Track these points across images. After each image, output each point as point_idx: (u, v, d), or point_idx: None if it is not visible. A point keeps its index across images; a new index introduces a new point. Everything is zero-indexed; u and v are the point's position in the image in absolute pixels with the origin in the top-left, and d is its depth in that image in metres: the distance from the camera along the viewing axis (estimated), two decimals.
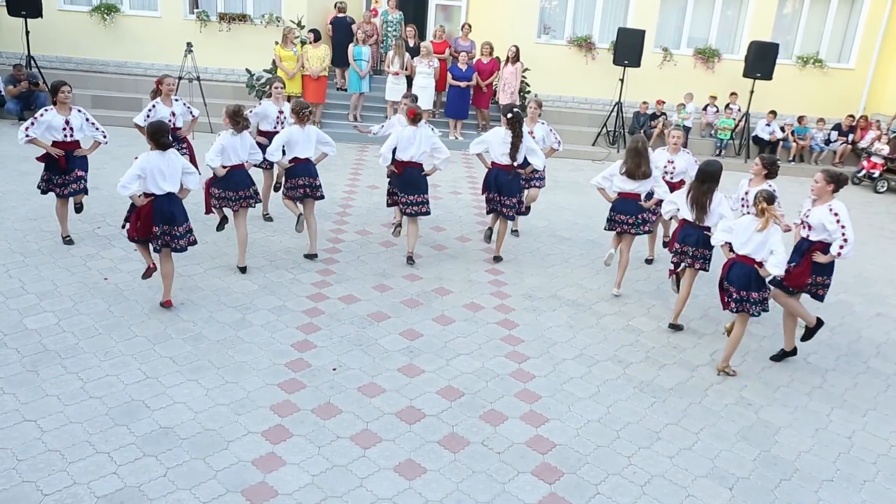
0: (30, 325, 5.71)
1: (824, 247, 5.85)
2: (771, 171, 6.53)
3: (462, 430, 4.88)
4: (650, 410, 5.32)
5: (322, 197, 7.45)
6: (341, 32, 13.51)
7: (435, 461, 4.53)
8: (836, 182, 5.78)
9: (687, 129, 14.00)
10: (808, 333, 6.28)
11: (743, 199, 6.65)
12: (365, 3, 15.48)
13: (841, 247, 5.71)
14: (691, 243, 6.38)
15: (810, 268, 5.91)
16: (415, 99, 8.66)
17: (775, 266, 5.52)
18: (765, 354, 6.33)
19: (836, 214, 5.72)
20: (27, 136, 6.90)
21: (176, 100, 8.09)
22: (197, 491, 4.09)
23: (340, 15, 13.70)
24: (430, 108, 13.19)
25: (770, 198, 5.57)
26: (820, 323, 6.25)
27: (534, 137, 7.93)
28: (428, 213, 7.54)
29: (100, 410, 4.73)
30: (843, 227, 5.69)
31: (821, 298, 6.12)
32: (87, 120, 7.23)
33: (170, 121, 7.92)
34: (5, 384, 4.93)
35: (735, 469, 4.73)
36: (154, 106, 7.89)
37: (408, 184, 7.33)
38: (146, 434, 4.53)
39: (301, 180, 7.24)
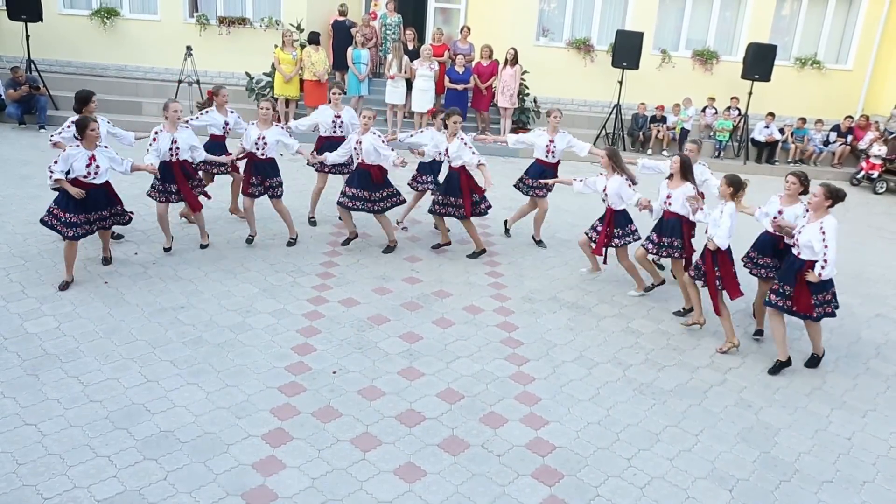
0: (30, 329, 5.72)
1: (813, 265, 5.72)
2: (806, 189, 6.10)
3: (462, 432, 4.89)
4: (650, 412, 5.33)
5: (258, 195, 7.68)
6: (341, 36, 13.54)
7: (435, 464, 4.53)
8: (835, 198, 5.65)
9: (686, 132, 14.04)
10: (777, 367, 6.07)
11: (776, 217, 6.20)
12: (364, 6, 15.51)
13: (822, 268, 5.60)
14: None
15: (808, 288, 5.74)
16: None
17: (717, 237, 6.03)
18: (765, 357, 6.33)
19: (823, 232, 5.60)
20: (52, 177, 6.28)
21: (231, 111, 8.19)
22: (197, 494, 4.10)
23: (341, 18, 13.73)
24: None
25: (736, 184, 6.08)
26: (788, 362, 6.05)
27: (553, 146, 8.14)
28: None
29: (100, 414, 4.74)
30: (825, 246, 5.56)
31: (832, 315, 6.02)
32: (112, 157, 6.60)
33: (224, 130, 8.11)
34: (5, 388, 4.94)
35: (735, 470, 4.74)
36: (206, 112, 8.04)
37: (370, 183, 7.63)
38: (146, 437, 4.54)
39: (254, 178, 7.53)
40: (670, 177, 6.79)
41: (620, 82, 13.78)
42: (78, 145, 6.37)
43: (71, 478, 4.14)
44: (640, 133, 14.25)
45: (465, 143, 7.53)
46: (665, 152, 14.19)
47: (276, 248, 7.76)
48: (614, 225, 7.05)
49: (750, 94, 13.89)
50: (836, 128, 14.64)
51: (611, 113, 14.03)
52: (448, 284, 7.27)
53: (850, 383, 6.04)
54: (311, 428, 4.79)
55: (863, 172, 13.68)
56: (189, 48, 12.55)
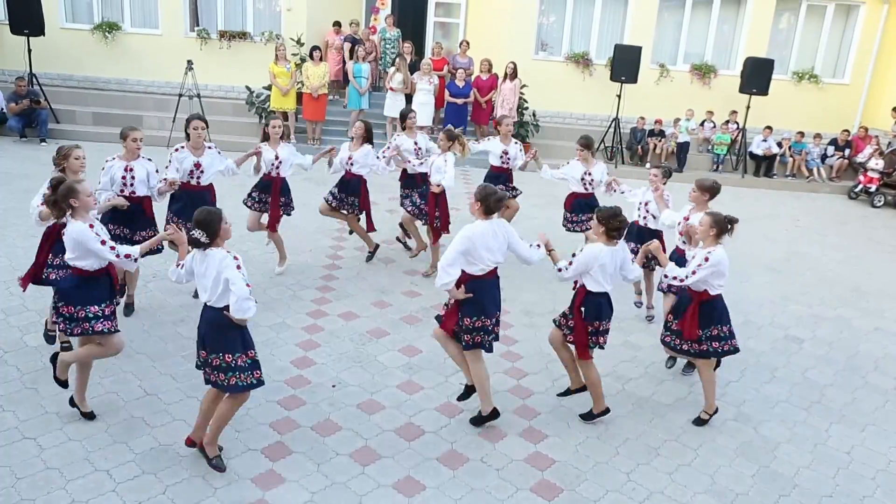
0: (30, 343, 5.72)
1: (705, 298, 5.13)
2: (712, 195, 5.78)
3: (461, 446, 4.88)
4: (649, 426, 5.33)
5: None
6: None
7: (434, 478, 4.53)
8: (719, 227, 4.99)
9: (685, 145, 14.11)
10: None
11: (681, 223, 6.03)
12: (364, 20, 15.63)
13: (691, 273, 4.99)
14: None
15: (697, 311, 5.13)
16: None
17: (446, 180, 7.24)
18: (762, 370, 6.35)
19: (709, 253, 5.02)
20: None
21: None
22: None
23: (350, 32, 13.90)
24: (429, 124, 13.30)
25: (454, 137, 7.22)
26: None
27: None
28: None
29: (99, 428, 4.74)
30: (701, 266, 4.96)
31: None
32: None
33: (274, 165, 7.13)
34: (5, 401, 4.94)
35: (734, 485, 4.73)
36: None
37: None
38: (145, 451, 4.53)
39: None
40: (352, 139, 7.75)
41: (619, 96, 13.87)
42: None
43: (70, 492, 4.13)
44: (639, 147, 14.31)
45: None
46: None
47: (275, 262, 7.77)
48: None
49: (748, 107, 13.97)
50: (833, 141, 14.71)
51: (609, 126, 14.10)
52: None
53: (849, 397, 6.04)
54: (310, 442, 4.79)
55: (861, 186, 13.74)
56: (190, 62, 12.64)
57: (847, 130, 14.70)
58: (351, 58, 13.35)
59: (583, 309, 5.07)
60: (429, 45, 15.48)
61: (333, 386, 5.48)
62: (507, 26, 14.81)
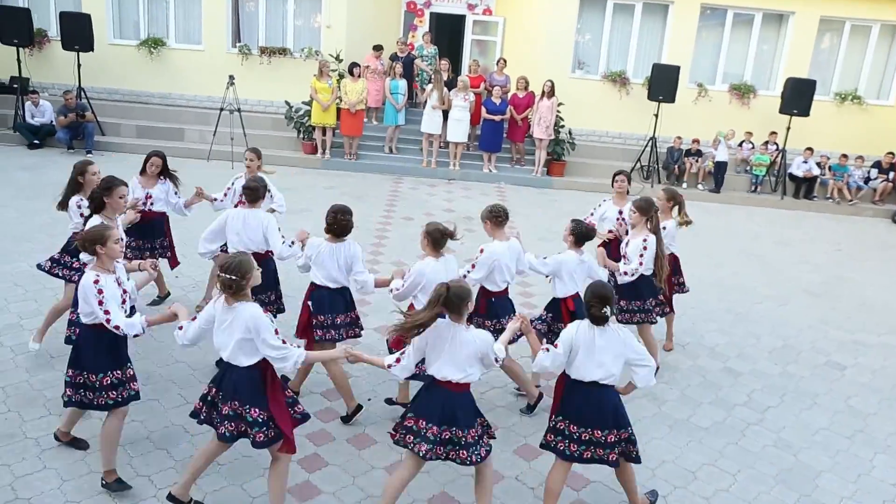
0: None
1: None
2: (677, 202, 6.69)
3: (496, 464, 4.83)
4: (686, 449, 5.25)
5: None
6: (408, 68, 13.99)
7: (469, 495, 4.51)
8: (430, 237, 4.89)
9: (723, 164, 13.93)
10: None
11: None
12: (403, 37, 15.83)
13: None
14: None
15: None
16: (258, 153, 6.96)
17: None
18: (803, 396, 6.22)
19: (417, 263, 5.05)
20: None
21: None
22: None
23: (401, 54, 14.14)
24: (464, 140, 13.39)
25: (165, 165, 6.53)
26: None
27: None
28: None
29: (141, 434, 4.83)
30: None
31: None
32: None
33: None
34: (52, 406, 5.06)
35: None
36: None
37: None
38: (185, 459, 4.59)
39: None
40: (143, 171, 6.57)
41: (656, 115, 13.79)
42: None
43: (112, 496, 4.21)
44: (676, 166, 14.20)
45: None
46: (700, 186, 14.12)
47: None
48: None
49: (788, 128, 13.78)
50: (877, 164, 14.41)
51: (646, 146, 14.02)
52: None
53: (894, 427, 5.87)
54: (345, 454, 4.82)
55: None
56: (231, 77, 12.91)
57: (892, 153, 14.36)
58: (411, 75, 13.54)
59: (309, 303, 5.16)
60: (465, 62, 15.61)
61: (369, 399, 5.51)
62: (544, 45, 14.87)
